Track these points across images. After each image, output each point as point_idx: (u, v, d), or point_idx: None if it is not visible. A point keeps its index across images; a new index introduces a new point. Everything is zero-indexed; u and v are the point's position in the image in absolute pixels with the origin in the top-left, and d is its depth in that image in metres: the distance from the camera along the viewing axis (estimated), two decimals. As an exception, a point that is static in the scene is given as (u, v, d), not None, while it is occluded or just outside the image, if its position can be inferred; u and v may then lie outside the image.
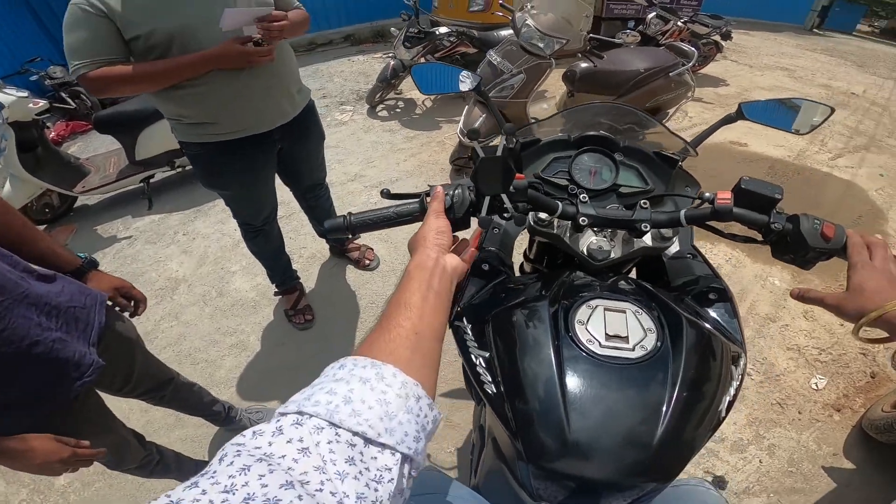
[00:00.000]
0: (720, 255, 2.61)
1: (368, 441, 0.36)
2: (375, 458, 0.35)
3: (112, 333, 1.07)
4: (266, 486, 0.28)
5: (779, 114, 1.03)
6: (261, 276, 2.22)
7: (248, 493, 0.27)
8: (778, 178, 3.48)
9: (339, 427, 0.35)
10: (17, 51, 4.58)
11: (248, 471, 0.29)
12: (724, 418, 0.61)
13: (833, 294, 0.63)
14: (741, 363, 0.67)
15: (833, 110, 1.00)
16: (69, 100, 4.53)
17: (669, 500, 0.70)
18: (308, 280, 2.37)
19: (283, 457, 0.31)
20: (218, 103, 1.39)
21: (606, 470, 0.54)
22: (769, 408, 1.82)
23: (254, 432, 0.33)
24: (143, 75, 1.24)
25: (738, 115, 1.03)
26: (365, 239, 2.59)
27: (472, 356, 0.66)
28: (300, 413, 0.35)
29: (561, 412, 0.56)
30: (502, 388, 0.61)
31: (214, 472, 0.29)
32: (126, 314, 1.17)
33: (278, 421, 0.35)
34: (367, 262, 2.45)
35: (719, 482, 1.57)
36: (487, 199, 0.66)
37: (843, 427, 1.76)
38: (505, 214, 0.67)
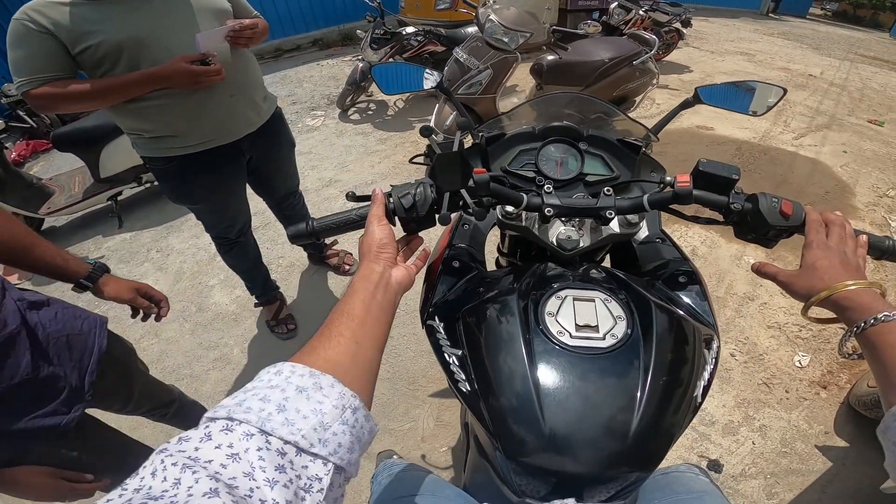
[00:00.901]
0: (695, 237, 2.66)
1: (300, 450, 0.35)
2: (307, 466, 0.35)
3: (109, 358, 1.02)
4: (191, 491, 0.27)
5: (735, 97, 1.05)
6: (240, 288, 2.17)
7: (174, 499, 0.27)
8: (745, 159, 3.57)
9: (271, 435, 0.34)
10: None
11: (175, 475, 0.29)
12: (700, 403, 0.61)
13: (786, 271, 0.64)
14: (714, 346, 0.67)
15: (785, 91, 1.02)
16: (27, 118, 4.36)
17: (657, 488, 0.70)
18: (288, 289, 2.32)
19: (211, 461, 0.30)
20: (178, 115, 1.35)
21: (585, 462, 0.54)
22: (756, 388, 1.85)
23: (180, 438, 0.33)
24: (87, 93, 1.19)
25: (696, 99, 1.04)
26: (344, 244, 2.55)
27: (446, 355, 0.66)
28: (230, 419, 0.35)
29: (535, 407, 0.55)
30: (476, 386, 0.61)
31: (142, 477, 0.29)
32: (151, 317, 1.12)
33: (207, 427, 0.34)
34: (347, 267, 2.42)
35: (714, 466, 1.58)
36: (447, 195, 0.65)
37: (832, 404, 1.78)
38: (468, 210, 0.66)
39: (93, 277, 0.99)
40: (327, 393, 0.40)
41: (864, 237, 0.64)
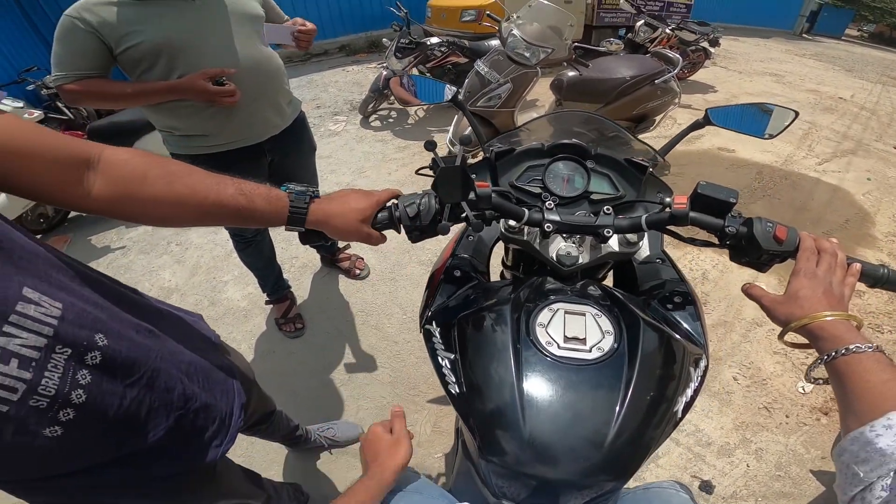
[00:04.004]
0: (707, 261, 2.64)
1: None
2: None
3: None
4: None
5: (748, 119, 1.03)
6: (252, 285, 2.24)
7: None
8: (765, 183, 3.52)
9: None
10: (14, 60, 4.56)
11: None
12: (681, 419, 0.63)
13: (770, 296, 0.65)
14: (702, 365, 0.69)
15: (797, 114, 1.01)
16: (65, 110, 4.52)
17: (636, 502, 0.72)
18: (299, 289, 2.39)
19: None
20: (207, 116, 1.42)
21: (562, 468, 0.56)
22: (756, 412, 1.84)
23: None
24: (113, 94, 1.29)
25: (706, 120, 1.03)
26: (355, 249, 2.61)
27: (439, 358, 0.69)
28: None
29: (517, 411, 0.58)
30: (464, 388, 0.64)
31: None
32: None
33: None
34: (358, 271, 2.47)
35: (706, 487, 1.58)
36: (448, 206, 0.69)
37: (831, 430, 1.77)
38: (462, 216, 0.69)
39: (299, 213, 0.70)
40: None
41: (858, 266, 0.65)
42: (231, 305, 2.35)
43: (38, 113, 2.77)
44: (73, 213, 3.16)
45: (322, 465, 1.65)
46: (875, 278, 0.66)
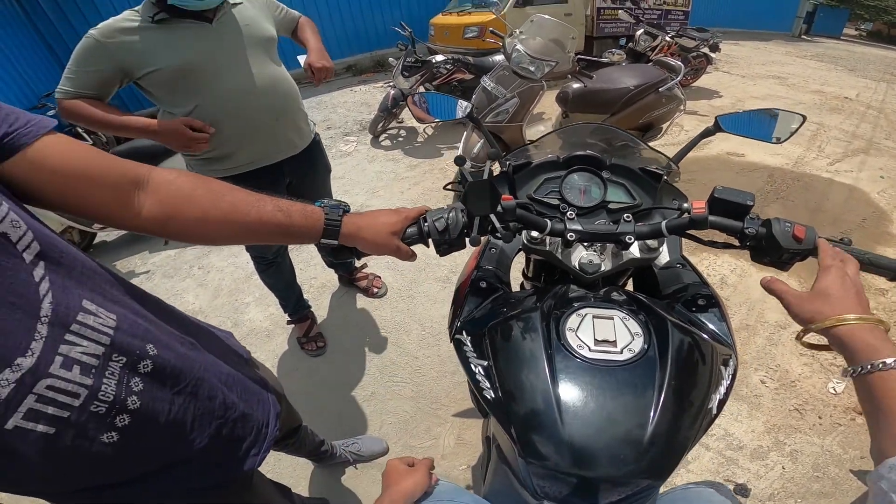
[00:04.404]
0: (725, 266, 2.63)
1: None
2: None
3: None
4: None
5: (756, 124, 1.06)
6: (273, 306, 2.27)
7: None
8: (777, 186, 3.52)
9: None
10: (35, 85, 4.66)
11: None
12: (715, 416, 0.63)
13: (795, 291, 0.62)
14: (731, 364, 0.70)
15: (805, 118, 1.04)
16: (86, 135, 4.59)
17: (674, 502, 0.72)
18: (319, 309, 2.41)
19: None
20: (227, 137, 1.46)
21: (600, 467, 0.57)
22: (787, 414, 1.81)
23: None
24: (101, 121, 1.33)
25: (716, 128, 1.05)
26: (373, 268, 2.65)
27: (472, 365, 0.70)
28: None
29: (555, 412, 0.59)
30: (500, 394, 0.65)
31: None
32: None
33: None
34: (376, 290, 2.50)
35: (742, 490, 1.56)
36: (478, 219, 0.71)
37: (867, 430, 1.73)
38: (496, 234, 0.71)
39: (332, 227, 0.72)
40: None
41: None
42: (254, 326, 2.38)
43: (59, 139, 2.84)
44: (97, 239, 3.24)
45: (347, 479, 1.65)
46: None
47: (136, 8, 1.31)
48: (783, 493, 1.56)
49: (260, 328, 2.36)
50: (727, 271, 2.59)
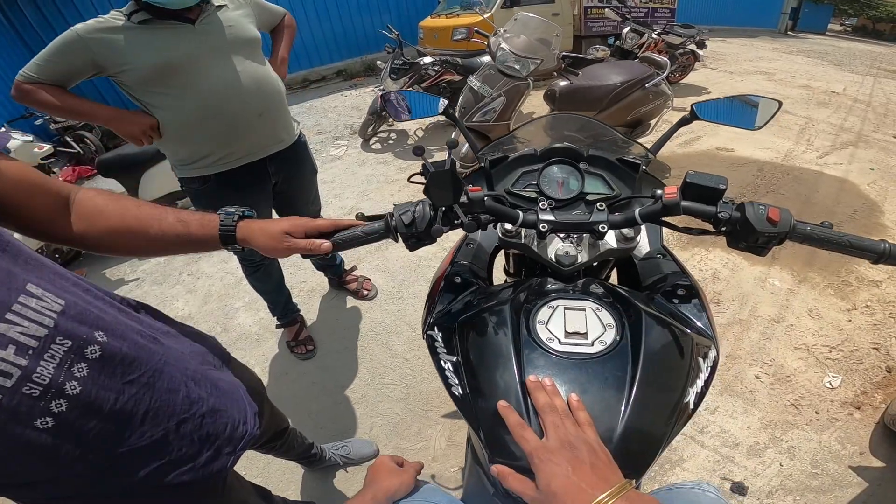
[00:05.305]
0: (716, 260, 2.62)
1: None
2: None
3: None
4: None
5: (735, 112, 1.03)
6: (263, 310, 2.24)
7: None
8: (767, 179, 3.52)
9: None
10: None
11: None
12: (693, 410, 0.62)
13: (531, 494, 0.50)
14: (711, 356, 0.68)
15: (780, 104, 1.01)
16: (73, 144, 4.57)
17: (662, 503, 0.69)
18: (309, 312, 2.39)
19: None
20: (213, 135, 1.46)
21: None
22: (783, 410, 1.79)
23: None
24: (56, 107, 1.33)
25: (693, 116, 1.03)
26: (363, 270, 2.63)
27: (442, 361, 0.69)
28: None
29: (522, 409, 0.57)
30: (468, 390, 0.63)
31: None
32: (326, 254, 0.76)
33: None
34: (366, 292, 2.47)
35: (739, 488, 1.53)
36: (441, 210, 0.69)
37: (866, 425, 1.72)
38: (456, 222, 0.69)
39: (228, 235, 0.73)
40: None
41: (575, 398, 0.57)
42: (243, 331, 2.35)
43: (47, 147, 2.82)
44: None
45: (338, 483, 1.63)
46: (878, 253, 0.65)
47: (122, 9, 1.32)
48: (781, 490, 1.53)
49: (249, 333, 2.33)
50: (719, 266, 2.58)
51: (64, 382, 0.50)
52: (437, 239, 0.71)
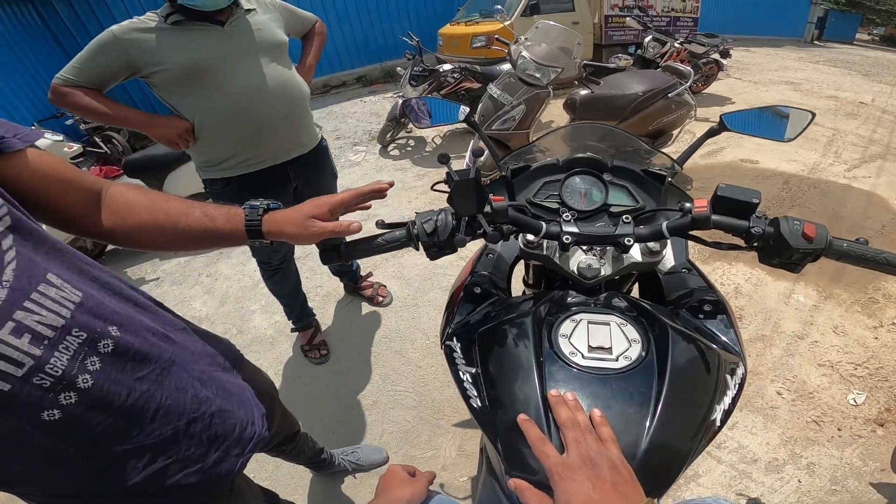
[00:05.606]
0: (739, 275, 2.56)
1: None
2: None
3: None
4: None
5: (763, 123, 0.99)
6: (279, 313, 2.27)
7: None
8: (793, 193, 3.43)
9: None
10: None
11: None
12: (719, 428, 0.60)
13: None
14: (738, 373, 0.66)
15: (814, 115, 0.97)
16: (102, 144, 4.69)
17: None
18: (324, 317, 2.41)
19: None
20: (238, 137, 1.48)
21: None
22: (804, 426, 1.74)
23: None
24: (94, 111, 1.36)
25: (721, 126, 1.00)
26: (378, 276, 2.64)
27: (460, 372, 0.68)
28: None
29: (543, 423, 0.56)
30: (486, 402, 0.62)
31: None
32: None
33: None
34: (381, 298, 2.48)
35: None
36: (464, 220, 0.68)
37: (889, 442, 1.67)
38: (479, 232, 0.69)
39: (254, 230, 0.71)
40: None
41: (598, 413, 0.56)
42: (258, 333, 2.38)
43: (76, 146, 2.90)
44: (109, 247, 3.29)
45: (346, 488, 1.63)
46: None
47: (157, 10, 1.36)
48: (799, 507, 1.49)
49: (264, 335, 2.36)
50: (742, 280, 2.51)
51: (76, 375, 0.50)
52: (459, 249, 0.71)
